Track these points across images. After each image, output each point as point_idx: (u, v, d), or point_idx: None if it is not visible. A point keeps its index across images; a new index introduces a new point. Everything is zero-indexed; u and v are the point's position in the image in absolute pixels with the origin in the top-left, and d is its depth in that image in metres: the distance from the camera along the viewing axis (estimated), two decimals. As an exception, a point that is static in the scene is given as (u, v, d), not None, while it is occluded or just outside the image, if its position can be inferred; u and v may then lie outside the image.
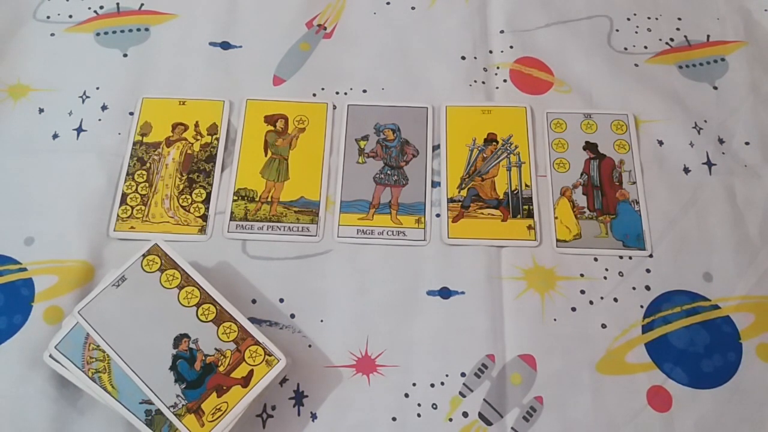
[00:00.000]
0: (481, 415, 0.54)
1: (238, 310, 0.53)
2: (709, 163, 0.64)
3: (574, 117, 0.67)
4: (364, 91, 0.68)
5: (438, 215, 0.62)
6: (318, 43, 0.71)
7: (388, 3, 0.73)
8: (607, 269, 0.60)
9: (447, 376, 0.55)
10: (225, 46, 0.70)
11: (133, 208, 0.62)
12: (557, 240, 0.61)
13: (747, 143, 0.65)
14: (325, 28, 0.72)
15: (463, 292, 0.59)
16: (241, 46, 0.70)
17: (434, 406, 0.55)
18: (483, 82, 0.68)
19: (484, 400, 0.55)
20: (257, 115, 0.66)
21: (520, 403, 0.55)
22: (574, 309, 0.58)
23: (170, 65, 0.69)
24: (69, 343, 0.51)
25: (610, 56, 0.70)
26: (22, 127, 0.65)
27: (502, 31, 0.71)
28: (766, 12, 0.73)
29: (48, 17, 0.71)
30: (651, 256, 0.60)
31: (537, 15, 0.72)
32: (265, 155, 0.65)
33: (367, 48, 0.70)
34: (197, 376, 0.50)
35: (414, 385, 0.55)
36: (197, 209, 0.62)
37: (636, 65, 0.70)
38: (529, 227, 0.61)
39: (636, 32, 0.71)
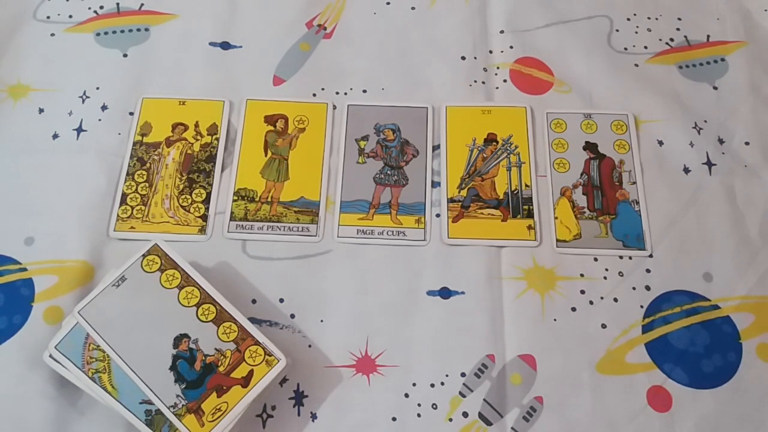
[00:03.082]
0: (481, 415, 0.54)
1: (238, 310, 0.53)
2: (709, 163, 0.64)
3: (574, 117, 0.67)
4: (364, 91, 0.68)
5: (438, 215, 0.62)
6: (318, 43, 0.71)
7: (388, 3, 0.73)
8: (607, 269, 0.60)
9: (447, 376, 0.55)
10: (225, 46, 0.70)
11: (133, 208, 0.62)
12: (557, 240, 0.61)
13: (747, 143, 0.65)
14: (325, 28, 0.72)
15: (463, 292, 0.59)
16: (241, 46, 0.70)
17: (434, 406, 0.55)
18: (483, 82, 0.68)
19: (484, 400, 0.55)
20: (257, 115, 0.66)
21: (520, 403, 0.55)
22: (574, 309, 0.58)
23: (170, 65, 0.69)
24: (69, 343, 0.51)
25: (610, 56, 0.70)
26: (22, 127, 0.65)
27: (502, 31, 0.71)
28: (766, 12, 0.73)
29: (48, 17, 0.71)
30: (651, 256, 0.60)
31: (537, 15, 0.72)
32: (265, 155, 0.65)
33: (367, 48, 0.70)
34: (197, 376, 0.50)
35: (414, 385, 0.55)
36: (197, 209, 0.62)
37: (636, 65, 0.70)
38: (529, 227, 0.61)
39: (636, 32, 0.71)
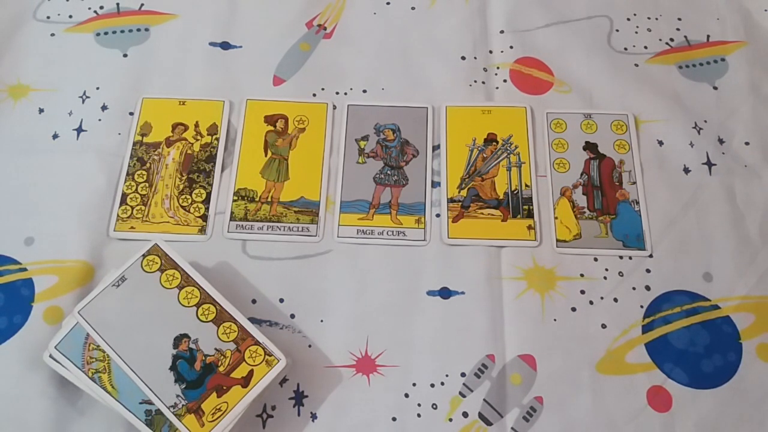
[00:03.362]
0: (481, 415, 0.54)
1: (238, 310, 0.53)
2: (709, 163, 0.64)
3: (574, 117, 0.67)
4: (364, 91, 0.68)
5: (438, 215, 0.62)
6: (318, 43, 0.71)
7: (388, 3, 0.73)
8: (607, 269, 0.60)
9: (447, 376, 0.55)
10: (225, 46, 0.70)
11: (133, 208, 0.62)
12: (557, 240, 0.61)
13: (747, 143, 0.65)
14: (325, 28, 0.72)
15: (463, 292, 0.59)
16: (241, 46, 0.70)
17: (434, 406, 0.55)
18: (483, 82, 0.68)
19: (484, 400, 0.55)
20: (257, 115, 0.66)
21: (520, 403, 0.55)
22: (574, 309, 0.58)
23: (170, 65, 0.69)
24: (69, 343, 0.51)
25: (610, 56, 0.70)
26: (22, 127, 0.65)
27: (502, 31, 0.71)
28: (766, 12, 0.73)
29: (48, 17, 0.71)
30: (651, 256, 0.60)
31: (537, 15, 0.72)
32: (265, 155, 0.65)
33: (367, 48, 0.70)
34: (197, 376, 0.50)
35: (414, 385, 0.55)
36: (197, 209, 0.62)
37: (636, 65, 0.70)
38: (529, 227, 0.61)
39: (636, 32, 0.71)
